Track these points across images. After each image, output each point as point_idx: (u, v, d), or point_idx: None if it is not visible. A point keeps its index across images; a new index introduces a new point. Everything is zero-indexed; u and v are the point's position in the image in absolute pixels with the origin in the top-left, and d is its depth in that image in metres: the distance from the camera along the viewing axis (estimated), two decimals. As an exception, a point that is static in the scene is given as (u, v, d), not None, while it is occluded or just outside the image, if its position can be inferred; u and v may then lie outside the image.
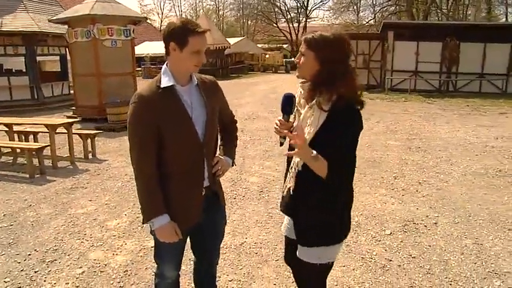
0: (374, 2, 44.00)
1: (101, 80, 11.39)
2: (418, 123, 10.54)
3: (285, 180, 2.00)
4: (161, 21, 59.12)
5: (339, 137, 1.71)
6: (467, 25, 20.85)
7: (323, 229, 1.88)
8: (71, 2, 19.14)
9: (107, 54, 11.33)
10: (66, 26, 12.15)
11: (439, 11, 38.35)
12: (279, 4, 51.88)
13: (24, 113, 13.06)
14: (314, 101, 1.76)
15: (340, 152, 1.73)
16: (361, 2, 45.83)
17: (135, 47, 35.11)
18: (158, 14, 59.74)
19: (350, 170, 1.82)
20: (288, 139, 1.97)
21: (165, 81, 1.83)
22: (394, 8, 40.15)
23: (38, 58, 16.27)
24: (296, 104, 1.90)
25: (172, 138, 1.85)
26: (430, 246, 3.66)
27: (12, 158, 7.19)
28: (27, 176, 6.15)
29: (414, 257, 3.46)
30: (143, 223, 1.93)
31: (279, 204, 2.13)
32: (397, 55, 18.01)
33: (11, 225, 4.29)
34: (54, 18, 12.71)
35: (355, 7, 46.14)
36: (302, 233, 1.93)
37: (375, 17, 42.99)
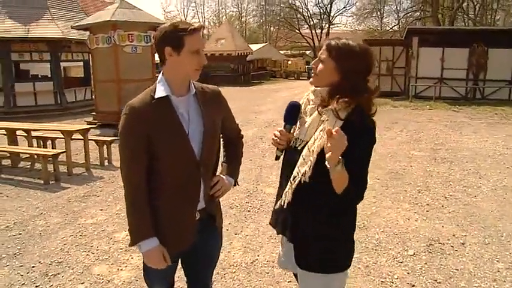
0: (398, 8, 43.35)
1: (121, 86, 11.43)
2: (443, 132, 10.10)
3: (279, 192, 1.80)
4: (184, 28, 59.77)
5: (357, 148, 1.52)
6: (496, 30, 20.13)
7: (327, 253, 1.68)
8: (94, 8, 19.46)
9: (126, 60, 11.38)
10: (88, 33, 12.30)
11: (465, 16, 37.35)
12: (301, 10, 51.70)
13: (48, 117, 13.28)
14: (329, 108, 1.58)
15: (360, 164, 1.57)
16: (385, 8, 45.19)
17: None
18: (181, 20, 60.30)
19: (365, 185, 1.62)
20: (283, 153, 1.81)
21: (160, 91, 1.66)
22: (418, 13, 39.36)
23: (62, 64, 16.61)
24: (301, 113, 1.74)
25: (164, 154, 1.67)
26: (457, 270, 3.36)
27: (30, 163, 7.23)
28: (42, 182, 6.12)
29: (439, 282, 3.16)
30: (130, 245, 1.75)
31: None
32: (422, 61, 17.48)
33: (20, 234, 4.21)
34: (77, 24, 12.89)
35: (378, 13, 45.55)
36: (303, 253, 1.72)
37: (398, 22, 42.25)
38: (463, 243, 3.84)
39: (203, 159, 1.74)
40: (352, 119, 1.54)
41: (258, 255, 3.63)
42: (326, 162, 1.44)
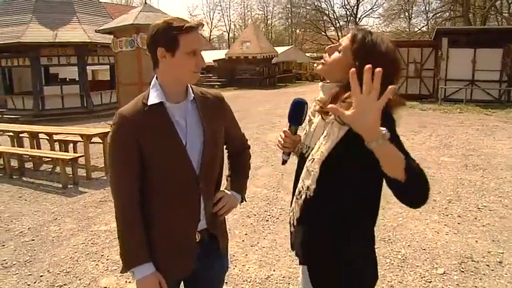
0: (427, 8, 42.16)
1: (143, 89, 11.31)
2: (475, 137, 9.58)
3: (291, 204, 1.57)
4: (210, 31, 60.31)
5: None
6: (532, 30, 19.16)
7: (346, 274, 1.42)
8: (120, 13, 19.77)
9: (149, 63, 11.27)
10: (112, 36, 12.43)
11: (498, 15, 35.92)
12: (327, 12, 51.08)
13: (74, 120, 13.52)
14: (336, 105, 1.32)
15: (402, 147, 1.26)
16: (413, 8, 44.07)
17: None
18: (207, 23, 60.93)
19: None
20: (291, 156, 1.61)
21: (153, 98, 1.47)
22: (448, 13, 38.17)
23: (89, 67, 16.93)
24: (309, 113, 1.51)
25: (159, 168, 1.48)
26: (494, 292, 3.05)
27: (52, 166, 7.27)
28: (61, 186, 6.11)
29: (474, 306, 2.86)
30: (122, 272, 1.56)
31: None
32: (452, 63, 16.80)
33: (33, 240, 4.15)
34: (101, 28, 13.04)
35: (406, 14, 44.47)
36: (318, 277, 1.46)
37: (427, 23, 41.15)
38: (500, 262, 3.49)
39: (203, 173, 1.54)
40: None
41: (274, 270, 3.40)
42: (365, 143, 1.10)
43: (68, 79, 17.17)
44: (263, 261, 3.57)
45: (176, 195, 1.51)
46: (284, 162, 1.62)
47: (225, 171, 1.77)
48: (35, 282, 3.27)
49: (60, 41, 15.17)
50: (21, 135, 7.76)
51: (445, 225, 4.33)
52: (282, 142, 1.57)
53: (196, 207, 1.55)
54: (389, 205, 4.85)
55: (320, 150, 1.33)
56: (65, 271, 3.45)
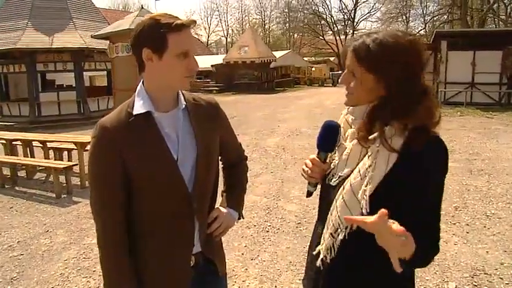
0: (424, 12, 42.23)
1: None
2: (478, 140, 9.42)
3: (314, 239, 1.36)
4: (208, 36, 60.26)
5: (427, 190, 1.11)
6: (531, 32, 19.07)
7: None
8: (117, 18, 19.63)
9: (146, 69, 11.24)
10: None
11: (496, 18, 35.96)
12: (325, 16, 51.17)
13: (71, 127, 13.34)
14: (376, 135, 1.13)
15: (433, 210, 1.13)
16: (411, 12, 44.15)
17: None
18: (205, 28, 60.92)
19: (439, 234, 1.16)
20: (318, 187, 1.36)
21: (139, 106, 1.29)
22: (446, 16, 38.19)
23: (87, 73, 16.76)
24: (340, 138, 1.29)
25: (146, 187, 1.30)
26: (510, 308, 2.86)
27: (46, 175, 7.08)
28: (54, 196, 5.91)
29: (490, 325, 2.68)
30: None
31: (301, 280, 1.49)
32: (451, 66, 16.70)
33: (22, 254, 3.96)
34: (97, 34, 12.92)
35: (404, 17, 44.54)
36: None
37: (425, 26, 41.21)
38: (513, 274, 3.32)
39: (197, 191, 1.36)
40: (413, 148, 1.08)
41: (276, 286, 3.21)
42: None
43: (64, 85, 16.99)
44: (264, 276, 3.38)
45: (166, 217, 1.34)
46: (309, 194, 1.37)
47: (220, 185, 1.60)
48: (21, 302, 3.09)
49: (56, 47, 15.00)
50: (14, 143, 7.56)
51: (454, 234, 4.15)
52: (309, 172, 1.31)
53: (190, 229, 1.37)
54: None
55: (366, 182, 1.12)
56: (53, 289, 3.26)
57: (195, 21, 1.29)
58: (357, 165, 1.18)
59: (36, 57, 14.95)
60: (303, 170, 1.34)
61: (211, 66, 30.45)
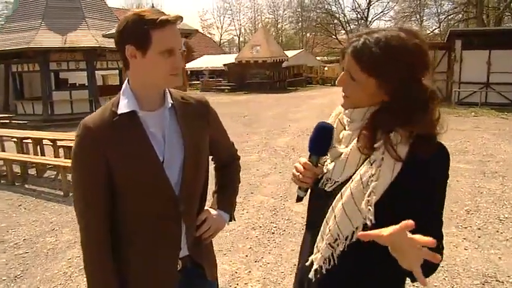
0: (439, 10, 41.56)
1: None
2: (492, 142, 9.20)
3: (303, 248, 1.29)
4: (221, 35, 60.39)
5: (433, 198, 1.06)
6: (549, 31, 18.59)
7: None
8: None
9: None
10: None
11: (513, 16, 35.20)
12: (338, 16, 50.78)
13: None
14: (380, 143, 1.06)
15: (438, 218, 1.08)
16: (425, 10, 43.51)
17: (195, 61, 35.79)
18: (218, 28, 61.04)
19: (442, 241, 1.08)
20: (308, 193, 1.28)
21: (123, 105, 1.24)
22: (461, 15, 37.53)
23: (99, 72, 16.92)
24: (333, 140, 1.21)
25: (131, 189, 1.26)
26: (521, 317, 2.75)
27: (55, 173, 7.13)
28: (62, 194, 5.94)
29: (500, 334, 2.58)
30: None
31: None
32: (466, 65, 16.39)
33: (26, 252, 3.97)
34: (108, 33, 13.01)
35: (418, 16, 43.93)
36: None
37: (439, 25, 40.56)
38: (526, 282, 3.20)
39: (184, 193, 1.31)
40: (419, 156, 1.02)
41: (278, 290, 3.16)
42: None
43: (77, 84, 17.18)
44: (267, 279, 3.32)
45: (151, 218, 1.29)
46: (299, 199, 1.29)
47: (212, 186, 1.54)
48: (23, 301, 3.09)
49: (69, 46, 15.17)
50: (24, 141, 7.64)
51: (464, 238, 4.03)
52: (300, 176, 1.23)
53: (177, 232, 1.32)
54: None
55: (369, 191, 1.04)
56: (55, 288, 3.25)
57: (181, 17, 1.24)
58: (356, 171, 1.10)
59: (49, 56, 15.14)
60: (293, 174, 1.26)
61: (224, 65, 30.45)
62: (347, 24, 50.42)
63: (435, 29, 41.60)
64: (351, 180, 1.10)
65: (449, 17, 39.48)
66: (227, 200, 1.52)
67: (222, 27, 61.09)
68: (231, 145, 1.60)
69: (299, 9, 54.68)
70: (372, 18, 49.99)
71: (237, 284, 3.23)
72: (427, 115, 1.05)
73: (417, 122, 1.03)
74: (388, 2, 47.19)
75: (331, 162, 1.19)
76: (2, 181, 6.83)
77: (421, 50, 1.07)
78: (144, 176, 1.25)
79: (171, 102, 1.31)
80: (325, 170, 1.21)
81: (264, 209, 5.03)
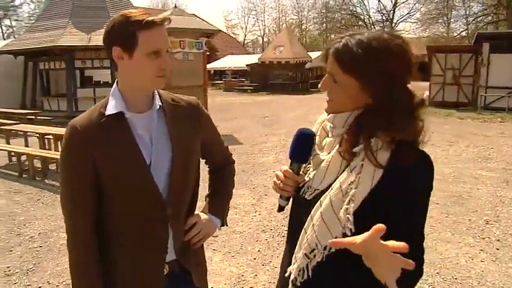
0: (467, 12, 40.43)
1: (171, 92, 11.47)
2: (518, 149, 8.88)
3: (284, 259, 1.25)
4: (245, 36, 60.57)
5: (414, 207, 1.00)
6: None
7: None
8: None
9: (178, 67, 11.40)
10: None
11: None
12: (363, 17, 50.17)
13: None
14: (361, 147, 1.02)
15: (418, 228, 1.03)
16: (453, 12, 42.40)
17: (218, 61, 35.94)
18: (242, 28, 61.24)
19: (423, 255, 1.03)
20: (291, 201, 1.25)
21: (111, 107, 1.24)
22: (491, 17, 36.43)
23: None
24: (315, 147, 1.18)
25: (117, 191, 1.25)
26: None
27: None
28: (79, 189, 6.06)
29: None
30: None
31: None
32: (493, 69, 15.87)
33: (40, 246, 4.06)
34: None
35: (445, 18, 42.88)
36: None
37: (467, 28, 39.47)
38: (545, 298, 3.05)
39: (172, 197, 1.29)
40: (400, 163, 0.98)
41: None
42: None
43: (101, 82, 17.55)
44: (273, 283, 3.27)
45: (138, 220, 1.28)
46: (281, 209, 1.25)
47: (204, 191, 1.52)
48: (32, 294, 3.15)
49: (94, 45, 15.50)
50: (46, 137, 7.84)
51: (481, 250, 3.88)
52: (281, 185, 1.19)
53: (163, 234, 1.31)
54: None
55: (348, 199, 1.01)
56: (64, 283, 3.30)
57: (168, 19, 1.23)
58: (336, 178, 1.06)
59: (74, 54, 15.53)
60: (274, 182, 1.22)
61: (246, 65, 30.51)
62: (372, 26, 49.67)
63: (462, 31, 40.49)
64: (330, 188, 1.06)
65: (478, 19, 38.39)
66: (219, 204, 1.50)
67: (246, 27, 61.26)
68: (224, 148, 1.58)
69: (323, 11, 54.27)
70: (398, 20, 49.08)
71: (242, 287, 3.20)
72: (411, 121, 1.00)
73: (400, 128, 0.99)
74: (415, 4, 46.14)
75: (313, 170, 1.15)
76: (24, 175, 7.03)
77: (403, 50, 1.03)
78: (130, 177, 1.24)
79: (160, 104, 1.30)
80: (306, 178, 1.17)
81: (276, 212, 4.98)
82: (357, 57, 1.01)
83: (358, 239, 0.85)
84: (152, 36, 1.17)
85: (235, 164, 1.62)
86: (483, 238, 4.16)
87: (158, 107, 1.30)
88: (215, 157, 1.54)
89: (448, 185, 6.00)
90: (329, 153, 1.12)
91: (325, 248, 1.05)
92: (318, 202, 1.07)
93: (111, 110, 1.23)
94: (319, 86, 1.14)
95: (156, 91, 1.32)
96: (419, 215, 1.03)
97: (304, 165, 1.19)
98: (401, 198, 0.98)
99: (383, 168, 0.98)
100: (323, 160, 1.12)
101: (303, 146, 1.17)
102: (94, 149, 1.22)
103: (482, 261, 3.65)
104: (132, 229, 1.28)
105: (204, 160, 1.51)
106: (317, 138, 1.19)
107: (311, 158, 1.17)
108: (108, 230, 1.29)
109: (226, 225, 1.54)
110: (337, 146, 1.09)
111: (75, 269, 1.30)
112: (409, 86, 1.05)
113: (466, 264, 3.58)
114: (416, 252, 0.97)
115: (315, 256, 1.08)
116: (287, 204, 1.24)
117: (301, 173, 1.19)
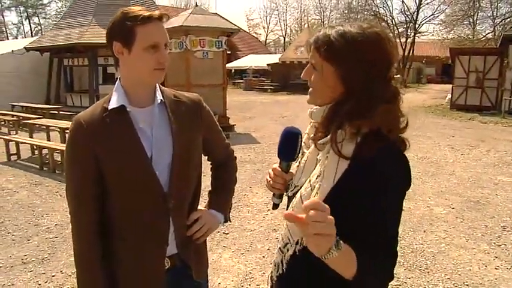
0: (494, 14, 39.35)
1: (191, 90, 11.48)
2: (542, 155, 8.61)
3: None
4: (266, 35, 60.59)
5: (379, 198, 0.98)
6: None
7: None
8: (173, 16, 20.28)
9: (198, 65, 11.53)
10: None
11: None
12: (386, 18, 49.39)
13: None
14: (326, 139, 1.03)
15: (384, 220, 0.99)
16: (479, 14, 41.32)
17: (239, 60, 36.07)
18: (264, 28, 61.28)
19: (393, 255, 1.01)
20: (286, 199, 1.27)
21: (114, 101, 1.28)
22: (519, 19, 35.32)
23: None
24: (303, 144, 1.20)
25: (118, 184, 1.28)
26: None
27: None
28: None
29: None
30: None
31: None
32: (520, 73, 15.45)
33: (56, 237, 4.18)
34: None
35: (470, 19, 41.82)
36: None
37: (494, 30, 38.38)
38: (559, 308, 2.96)
39: (173, 190, 1.32)
40: (365, 154, 0.97)
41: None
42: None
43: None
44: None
45: (141, 215, 1.31)
46: (275, 206, 1.27)
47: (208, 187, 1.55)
48: (45, 282, 3.24)
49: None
50: (66, 131, 8.04)
51: (496, 257, 3.79)
52: (271, 183, 1.23)
53: (164, 228, 1.33)
54: (432, 228, 4.38)
55: (314, 193, 1.02)
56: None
57: (166, 15, 1.27)
58: (310, 178, 1.07)
59: (97, 51, 15.83)
60: (267, 180, 1.25)
61: (267, 65, 30.52)
62: (395, 27, 48.91)
63: (488, 33, 39.39)
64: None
65: (506, 21, 37.29)
66: (222, 200, 1.52)
67: (268, 27, 61.28)
68: (226, 145, 1.60)
69: (346, 11, 53.74)
70: (421, 22, 48.09)
71: (249, 285, 3.22)
72: (379, 110, 0.98)
73: (367, 118, 0.98)
74: (439, 5, 45.14)
75: (297, 167, 1.18)
76: (44, 168, 7.24)
77: (382, 39, 1.02)
78: (132, 170, 1.27)
79: (161, 99, 1.33)
80: (296, 176, 1.19)
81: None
82: (335, 44, 1.01)
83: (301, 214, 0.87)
84: (149, 30, 1.21)
85: (236, 160, 1.65)
86: (499, 245, 4.06)
87: (160, 101, 1.33)
88: (217, 153, 1.57)
89: (466, 190, 5.88)
90: (309, 148, 1.15)
91: (297, 243, 1.08)
92: (294, 198, 1.11)
93: (113, 104, 1.27)
94: (301, 75, 1.14)
95: (158, 87, 1.35)
96: (389, 212, 0.99)
97: (293, 163, 1.21)
98: (368, 188, 0.96)
99: (348, 160, 0.98)
100: (305, 156, 1.15)
101: (289, 144, 1.19)
102: (96, 143, 1.25)
103: (496, 268, 3.57)
104: (134, 223, 1.31)
105: (207, 156, 1.54)
106: (305, 136, 1.21)
107: (300, 155, 1.19)
108: (111, 224, 1.33)
109: (230, 221, 1.57)
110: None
111: (79, 263, 1.35)
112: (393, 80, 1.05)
113: (479, 270, 3.51)
114: (379, 251, 0.96)
115: (288, 250, 1.11)
116: (280, 201, 1.26)
117: (291, 171, 1.21)
